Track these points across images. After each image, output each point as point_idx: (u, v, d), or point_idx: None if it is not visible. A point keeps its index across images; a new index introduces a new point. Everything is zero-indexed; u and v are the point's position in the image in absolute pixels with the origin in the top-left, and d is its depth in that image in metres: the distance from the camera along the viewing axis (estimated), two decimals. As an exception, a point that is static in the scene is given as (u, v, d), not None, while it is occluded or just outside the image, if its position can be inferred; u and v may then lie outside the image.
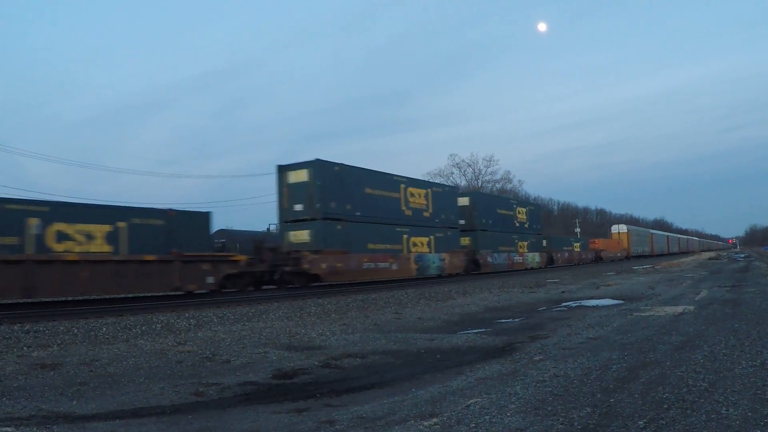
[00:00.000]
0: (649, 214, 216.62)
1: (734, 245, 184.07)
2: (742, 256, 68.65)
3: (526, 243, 38.74)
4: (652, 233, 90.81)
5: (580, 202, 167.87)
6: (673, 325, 9.28)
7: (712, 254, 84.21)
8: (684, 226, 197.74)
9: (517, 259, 37.06)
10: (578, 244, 54.88)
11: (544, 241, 44.25)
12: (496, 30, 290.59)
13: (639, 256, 75.15)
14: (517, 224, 38.01)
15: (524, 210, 40.26)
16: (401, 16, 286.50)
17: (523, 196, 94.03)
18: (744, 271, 28.17)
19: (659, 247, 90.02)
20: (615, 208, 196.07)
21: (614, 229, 75.25)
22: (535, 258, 40.21)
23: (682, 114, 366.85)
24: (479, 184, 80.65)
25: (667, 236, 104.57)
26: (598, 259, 58.25)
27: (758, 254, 75.92)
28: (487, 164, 79.32)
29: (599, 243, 63.04)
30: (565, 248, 49.78)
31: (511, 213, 37.52)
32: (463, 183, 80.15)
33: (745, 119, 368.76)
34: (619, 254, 66.52)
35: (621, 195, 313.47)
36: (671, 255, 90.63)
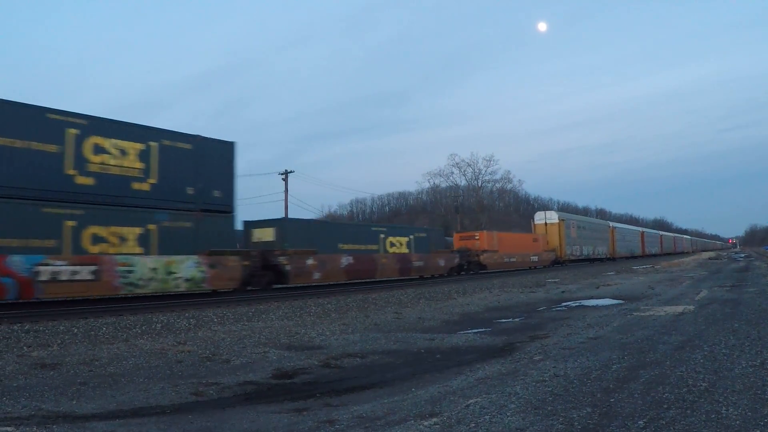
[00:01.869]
0: (649, 214, 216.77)
1: (734, 245, 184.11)
2: (742, 256, 68.62)
3: (134, 231, 15.31)
4: (614, 227, 62.33)
5: (580, 202, 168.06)
6: (673, 324, 9.28)
7: (712, 254, 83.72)
8: (684, 226, 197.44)
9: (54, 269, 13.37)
10: (404, 239, 27.21)
11: (268, 232, 21.37)
12: (495, 30, 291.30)
13: (586, 260, 50.33)
14: (90, 182, 14.64)
15: (137, 149, 15.73)
16: (401, 16, 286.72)
17: (524, 196, 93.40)
18: (744, 271, 28.16)
19: (628, 246, 64.69)
20: (615, 208, 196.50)
21: (538, 218, 47.73)
22: (192, 268, 16.27)
23: (681, 114, 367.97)
24: (479, 184, 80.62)
25: (642, 232, 76.32)
26: (471, 268, 33.18)
27: (758, 254, 75.89)
28: (487, 164, 79.06)
29: (481, 238, 35.32)
30: (343, 246, 23.25)
31: (58, 149, 14.09)
32: (463, 183, 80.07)
33: (745, 119, 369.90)
34: (534, 257, 40.96)
35: (621, 195, 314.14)
36: (649, 258, 67.61)
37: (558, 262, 44.70)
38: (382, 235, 26.24)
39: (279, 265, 19.95)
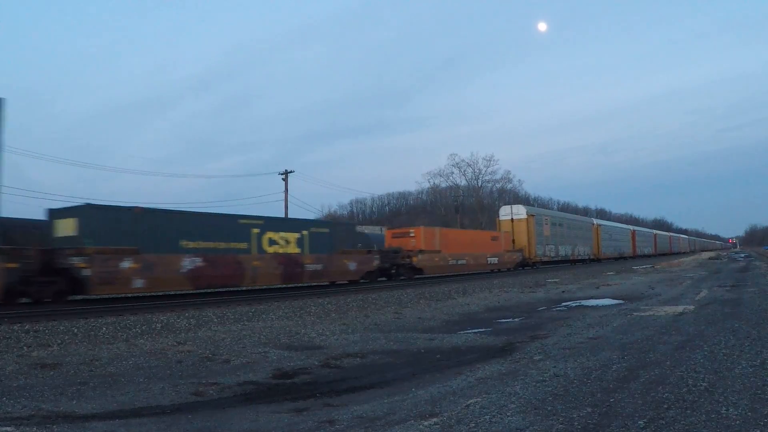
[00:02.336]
0: (650, 214, 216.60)
1: (734, 245, 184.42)
2: (742, 255, 68.69)
3: None
4: (599, 224, 56.04)
5: (580, 201, 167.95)
6: (673, 324, 9.28)
7: (712, 254, 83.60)
8: (684, 226, 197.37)
9: None
10: (292, 236, 20.74)
11: (69, 224, 15.62)
12: (496, 30, 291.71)
13: (564, 262, 44.73)
14: None
15: None
16: (401, 16, 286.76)
17: (524, 196, 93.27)
18: (744, 271, 28.17)
19: (616, 246, 58.95)
20: (615, 208, 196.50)
21: (503, 213, 40.87)
22: None
23: (681, 114, 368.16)
24: (479, 184, 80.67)
25: (633, 231, 69.86)
26: (401, 272, 27.10)
27: (758, 254, 75.94)
28: (487, 164, 79.17)
29: (417, 236, 28.26)
30: (187, 245, 16.90)
31: None
32: (463, 183, 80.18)
33: (744, 119, 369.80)
34: (492, 259, 34.66)
35: (621, 195, 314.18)
36: (641, 259, 63.63)
37: (526, 264, 38.68)
38: (256, 230, 19.48)
39: (72, 269, 14.29)
